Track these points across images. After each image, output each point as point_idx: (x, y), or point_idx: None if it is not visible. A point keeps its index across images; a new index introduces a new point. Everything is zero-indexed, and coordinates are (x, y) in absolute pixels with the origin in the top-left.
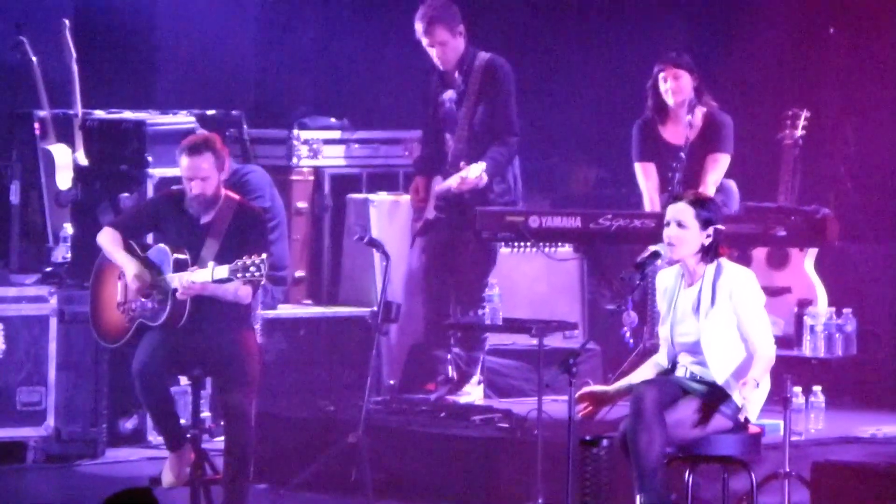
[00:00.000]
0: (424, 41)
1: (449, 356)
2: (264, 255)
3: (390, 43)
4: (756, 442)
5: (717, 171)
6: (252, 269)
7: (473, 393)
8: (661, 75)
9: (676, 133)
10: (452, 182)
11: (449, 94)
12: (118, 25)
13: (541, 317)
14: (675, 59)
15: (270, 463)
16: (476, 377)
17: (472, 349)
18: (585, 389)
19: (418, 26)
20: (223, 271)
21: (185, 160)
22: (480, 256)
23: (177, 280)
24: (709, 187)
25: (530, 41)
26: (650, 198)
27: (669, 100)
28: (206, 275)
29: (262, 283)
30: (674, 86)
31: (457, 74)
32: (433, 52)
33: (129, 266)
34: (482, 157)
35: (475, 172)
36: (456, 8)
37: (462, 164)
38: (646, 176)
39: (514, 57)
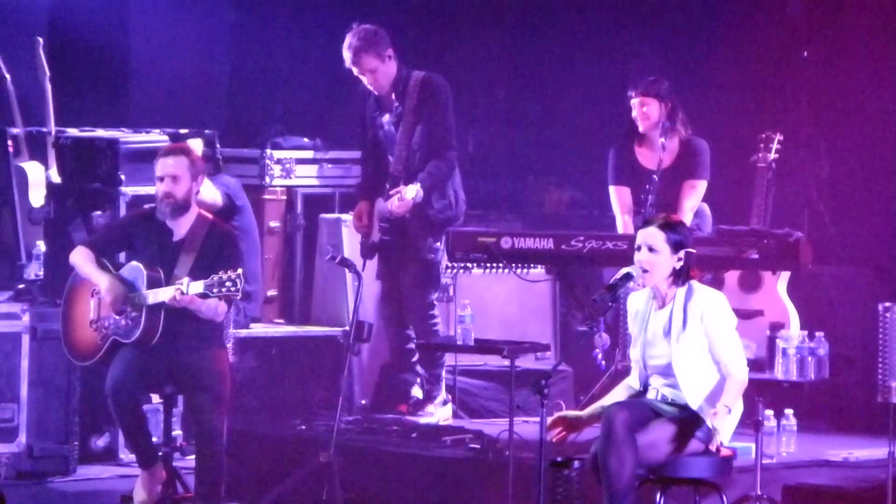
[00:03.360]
0: (354, 70)
1: (418, 379)
2: (240, 271)
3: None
4: (727, 464)
5: (694, 197)
6: (228, 283)
7: (437, 413)
8: (633, 101)
9: (652, 157)
10: (391, 204)
11: (386, 118)
12: (92, 43)
13: (512, 338)
14: (644, 87)
15: (242, 481)
16: (441, 396)
17: (431, 367)
18: (558, 414)
19: (346, 55)
20: (198, 286)
21: (159, 160)
22: (423, 277)
23: (152, 296)
24: (686, 213)
25: (505, 63)
26: (623, 221)
27: (640, 125)
28: (171, 292)
29: (238, 297)
30: (640, 113)
31: (393, 96)
32: (365, 80)
33: (101, 280)
34: (416, 180)
35: (411, 193)
36: (382, 32)
37: (401, 184)
38: (619, 199)
39: (487, 78)
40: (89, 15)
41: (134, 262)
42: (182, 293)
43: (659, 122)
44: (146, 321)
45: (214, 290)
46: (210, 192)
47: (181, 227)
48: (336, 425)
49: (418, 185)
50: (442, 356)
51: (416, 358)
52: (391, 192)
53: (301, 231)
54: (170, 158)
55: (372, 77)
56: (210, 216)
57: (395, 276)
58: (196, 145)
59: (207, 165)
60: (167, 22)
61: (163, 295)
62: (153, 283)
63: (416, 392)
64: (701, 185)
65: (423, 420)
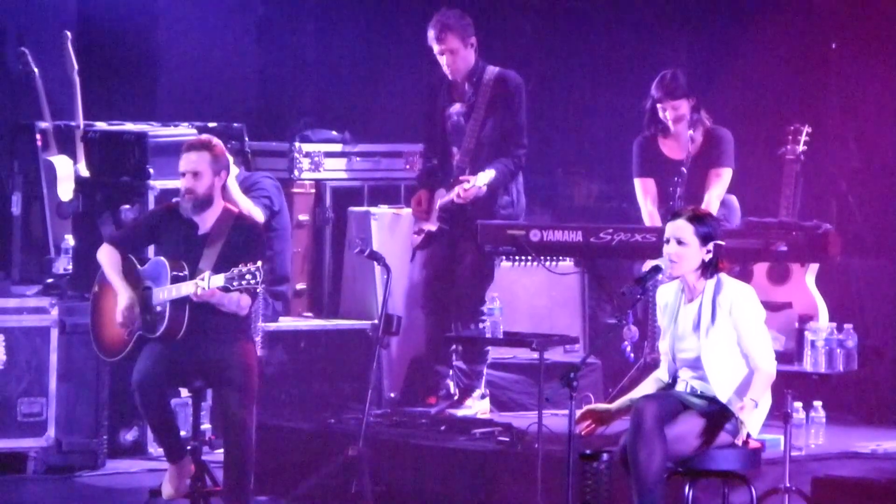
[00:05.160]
0: (436, 48)
1: (451, 371)
2: (259, 263)
3: (392, 56)
4: (756, 457)
5: (719, 186)
6: (248, 276)
7: (475, 406)
8: (659, 106)
9: (677, 149)
10: (459, 190)
11: (456, 108)
12: (120, 37)
13: (541, 331)
14: (667, 90)
15: (271, 475)
16: (479, 391)
17: (473, 362)
18: (587, 407)
19: (431, 32)
20: (219, 280)
21: (182, 155)
22: (480, 270)
23: (165, 293)
24: (712, 202)
25: (534, 57)
26: (649, 213)
27: (670, 126)
28: (191, 286)
29: (259, 291)
30: (673, 115)
31: (466, 87)
32: (443, 61)
33: (122, 294)
34: (488, 168)
35: (483, 179)
36: (469, 20)
37: (465, 176)
38: (645, 192)
39: (516, 70)
40: (118, 9)
41: (159, 258)
42: (202, 288)
43: (686, 115)
44: (170, 316)
45: (235, 284)
46: (252, 209)
47: (206, 221)
48: (365, 418)
49: (492, 172)
50: (487, 352)
51: (452, 349)
52: (460, 179)
53: (330, 224)
54: (192, 154)
55: (451, 58)
56: (235, 209)
57: (447, 266)
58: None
59: (236, 159)
60: (196, 15)
61: (184, 290)
62: (177, 279)
63: (448, 385)
64: (726, 174)
65: (460, 413)
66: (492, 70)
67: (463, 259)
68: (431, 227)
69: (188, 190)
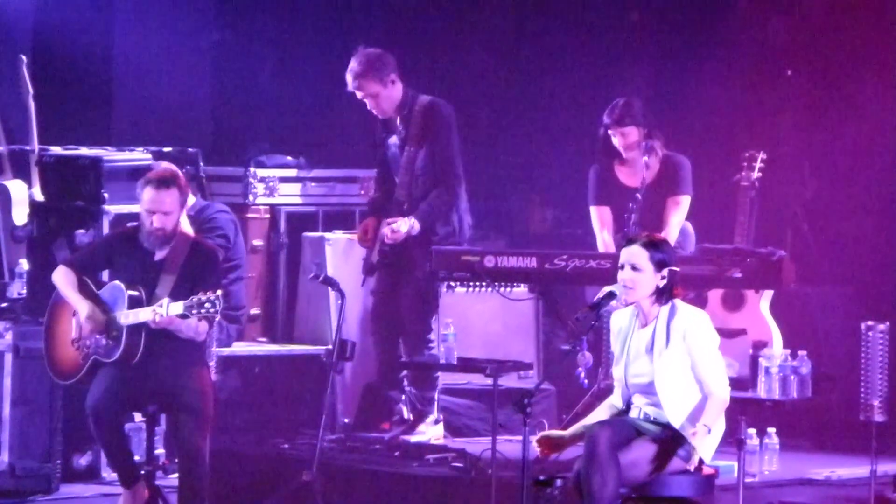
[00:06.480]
0: (357, 94)
1: (403, 396)
2: (219, 292)
3: (346, 82)
4: (710, 483)
5: (679, 213)
6: (207, 305)
7: (429, 432)
8: (610, 132)
9: (633, 175)
10: (387, 232)
11: (393, 139)
12: (75, 62)
13: (496, 356)
14: (619, 116)
15: (224, 500)
16: (432, 416)
17: (424, 388)
18: (541, 434)
19: (348, 79)
20: (178, 307)
21: (149, 192)
22: (422, 300)
23: (127, 317)
24: (672, 229)
25: (489, 82)
26: (603, 241)
27: (622, 152)
28: (149, 313)
29: (217, 319)
30: (623, 142)
31: (398, 120)
32: (368, 104)
33: (81, 308)
34: (424, 199)
35: (404, 227)
36: (388, 57)
37: (404, 208)
38: (601, 221)
39: (472, 97)
40: (73, 34)
41: (115, 282)
42: (161, 315)
43: (638, 142)
44: (127, 341)
45: (194, 312)
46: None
47: (164, 247)
48: (319, 444)
49: (412, 220)
50: (437, 378)
51: (403, 375)
52: (388, 221)
53: (284, 249)
54: (163, 194)
55: (374, 101)
56: (191, 234)
57: (392, 295)
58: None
59: (191, 184)
60: (151, 40)
61: (142, 315)
62: (134, 303)
63: (401, 410)
64: (685, 201)
65: (414, 439)
66: (423, 100)
67: (404, 290)
68: (373, 258)
69: (159, 229)
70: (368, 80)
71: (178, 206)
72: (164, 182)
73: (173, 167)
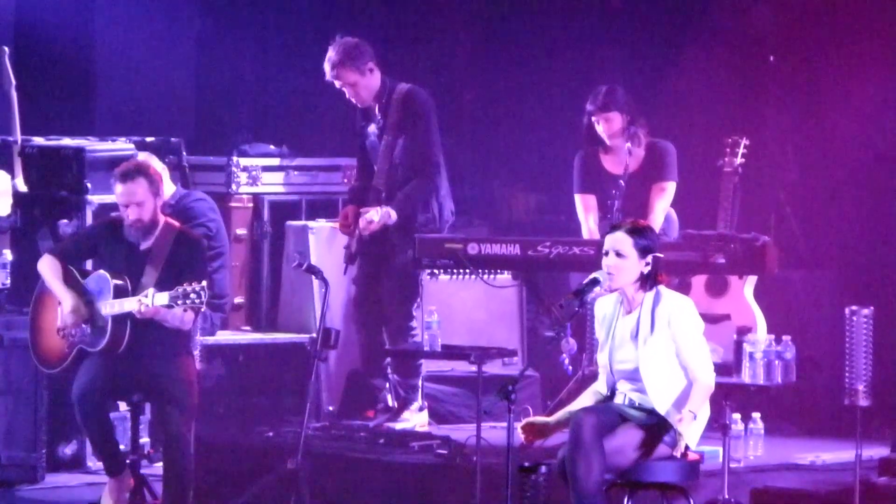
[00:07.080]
0: (336, 84)
1: (387, 384)
2: (204, 283)
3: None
4: (695, 469)
5: (664, 199)
6: (192, 295)
7: (413, 419)
8: (593, 118)
9: (618, 163)
10: (361, 222)
11: (372, 128)
12: (58, 52)
13: (480, 343)
14: (602, 102)
15: (209, 489)
16: (417, 403)
17: (407, 376)
18: (526, 420)
19: (326, 69)
20: (163, 298)
21: (119, 187)
22: (402, 288)
23: (112, 307)
24: (657, 215)
25: (472, 68)
26: (588, 229)
27: (605, 139)
28: (134, 303)
29: (203, 309)
30: (605, 127)
31: (377, 108)
32: (346, 92)
33: (65, 299)
34: (402, 188)
35: (376, 217)
36: (365, 46)
37: (382, 197)
38: (586, 209)
39: (455, 83)
40: (55, 24)
41: (101, 272)
42: (146, 306)
43: (622, 129)
44: (112, 330)
45: (179, 302)
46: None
47: (148, 237)
48: (303, 432)
49: (388, 209)
50: (420, 365)
51: (387, 362)
52: (363, 211)
53: (268, 238)
54: (130, 185)
55: (352, 90)
56: (177, 224)
57: (373, 283)
58: (144, 155)
59: (174, 173)
60: (133, 30)
61: (127, 306)
62: (119, 293)
63: (386, 398)
64: (670, 187)
65: (398, 426)
66: (401, 89)
67: (384, 279)
68: (352, 247)
69: (137, 220)
70: (346, 69)
71: (149, 195)
72: (129, 174)
73: (139, 159)
